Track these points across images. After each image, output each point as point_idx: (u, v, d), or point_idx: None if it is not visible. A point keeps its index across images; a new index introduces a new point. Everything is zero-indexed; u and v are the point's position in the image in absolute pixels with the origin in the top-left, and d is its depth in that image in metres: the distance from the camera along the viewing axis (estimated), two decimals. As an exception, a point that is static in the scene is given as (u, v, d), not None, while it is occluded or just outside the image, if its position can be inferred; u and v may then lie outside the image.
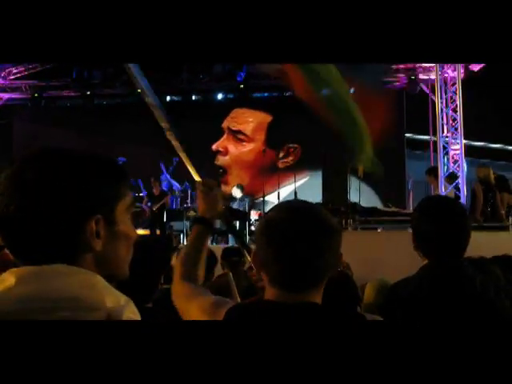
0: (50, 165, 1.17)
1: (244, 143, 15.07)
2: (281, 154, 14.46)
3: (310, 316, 1.54)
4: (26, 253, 1.17)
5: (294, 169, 13.77)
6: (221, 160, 14.98)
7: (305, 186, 13.80)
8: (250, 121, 15.16)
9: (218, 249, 7.48)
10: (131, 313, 1.15)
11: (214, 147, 14.98)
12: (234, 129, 15.13)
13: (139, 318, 1.18)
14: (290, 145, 14.54)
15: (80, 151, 1.24)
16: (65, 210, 1.16)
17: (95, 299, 1.11)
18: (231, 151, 15.02)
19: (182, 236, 11.27)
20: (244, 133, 15.09)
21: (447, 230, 2.37)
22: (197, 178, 2.46)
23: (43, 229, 1.15)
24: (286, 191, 13.30)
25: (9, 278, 1.12)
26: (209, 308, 1.81)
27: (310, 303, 1.58)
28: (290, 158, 14.37)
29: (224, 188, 14.05)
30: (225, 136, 15.14)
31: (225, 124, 15.20)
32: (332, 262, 1.62)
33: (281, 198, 12.28)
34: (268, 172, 13.72)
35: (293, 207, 1.70)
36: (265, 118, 15.11)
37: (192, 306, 1.89)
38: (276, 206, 1.74)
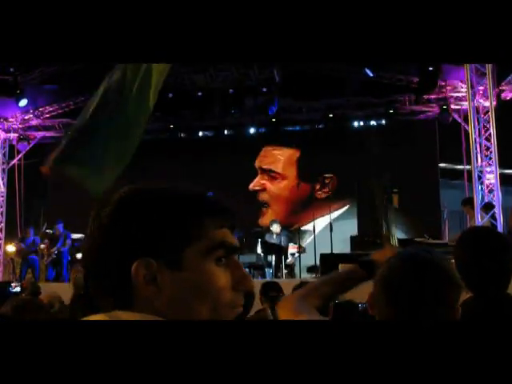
0: (118, 206, 1.13)
1: (277, 180, 15.30)
2: (317, 186, 14.63)
3: None
4: (95, 296, 1.14)
5: (333, 199, 13.93)
6: (261, 196, 15.20)
7: (343, 216, 13.97)
8: (279, 158, 15.39)
9: (255, 284, 7.63)
10: None
11: (251, 187, 15.21)
12: (265, 167, 15.44)
13: None
14: (326, 175, 14.68)
15: (165, 189, 1.17)
16: (111, 253, 1.10)
17: None
18: (268, 188, 15.25)
19: None
20: (275, 170, 15.33)
21: (492, 264, 2.34)
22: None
23: (100, 273, 1.12)
24: (323, 222, 13.42)
25: None
26: None
27: None
28: (327, 189, 14.51)
29: (262, 221, 14.32)
30: (259, 175, 15.36)
31: (257, 163, 15.43)
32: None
33: (317, 229, 12.43)
34: (306, 204, 13.90)
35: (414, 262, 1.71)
36: (293, 153, 15.35)
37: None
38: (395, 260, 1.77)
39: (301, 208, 13.71)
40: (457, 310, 1.75)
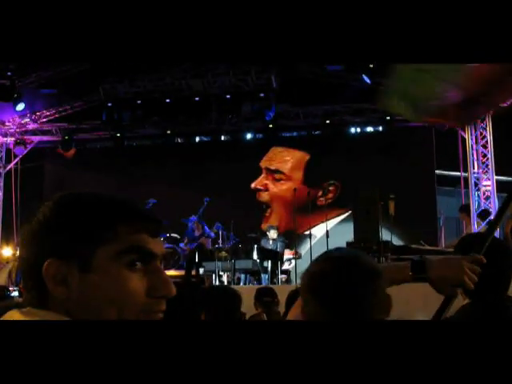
0: (43, 209, 1.15)
1: (281, 181, 15.29)
2: (319, 193, 14.60)
3: None
4: (23, 292, 1.17)
5: (333, 206, 13.97)
6: (262, 196, 15.20)
7: (343, 223, 13.99)
8: (287, 159, 15.39)
9: (251, 289, 7.64)
10: None
11: (253, 185, 15.20)
12: (272, 168, 15.41)
13: None
14: (330, 181, 14.69)
15: (87, 194, 1.19)
16: (32, 253, 1.13)
17: None
18: (270, 189, 15.25)
19: (213, 276, 11.37)
20: (282, 171, 15.32)
21: (489, 269, 2.19)
22: None
23: (23, 272, 1.15)
24: (323, 228, 13.44)
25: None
26: None
27: None
28: (329, 196, 14.53)
29: (264, 225, 14.31)
30: (263, 175, 15.35)
31: (263, 163, 15.41)
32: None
33: (314, 236, 12.44)
34: (306, 210, 13.92)
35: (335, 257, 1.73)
36: (303, 156, 15.35)
37: None
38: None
39: (301, 213, 13.69)
40: (388, 297, 1.74)
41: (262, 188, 15.26)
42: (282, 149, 15.56)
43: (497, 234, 10.89)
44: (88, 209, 1.14)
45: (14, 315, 1.09)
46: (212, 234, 12.87)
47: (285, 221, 14.72)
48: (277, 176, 15.29)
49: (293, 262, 12.11)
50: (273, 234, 12.21)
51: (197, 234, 12.79)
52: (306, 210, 13.38)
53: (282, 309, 5.63)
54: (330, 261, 1.71)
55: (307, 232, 12.62)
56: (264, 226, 14.30)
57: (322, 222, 13.13)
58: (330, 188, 14.67)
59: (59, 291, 1.09)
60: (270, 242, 12.12)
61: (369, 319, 1.64)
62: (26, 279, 1.15)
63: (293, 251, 12.23)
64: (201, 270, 11.56)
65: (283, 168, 15.33)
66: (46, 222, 1.13)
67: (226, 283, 10.94)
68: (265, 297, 6.05)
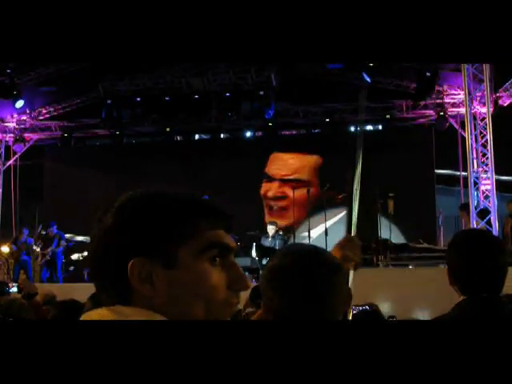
0: (118, 210, 1.18)
1: (300, 188, 15.07)
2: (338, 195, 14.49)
3: None
4: (98, 293, 1.19)
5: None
6: (282, 203, 15.06)
7: (341, 221, 13.97)
8: (303, 165, 15.35)
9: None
10: None
11: (270, 195, 15.21)
12: (288, 178, 15.34)
13: None
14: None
15: (161, 193, 1.22)
16: (111, 253, 1.15)
17: None
18: (290, 196, 15.08)
19: None
20: (300, 179, 15.25)
21: (485, 266, 2.31)
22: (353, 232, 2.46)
23: (102, 273, 1.17)
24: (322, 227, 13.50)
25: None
26: None
27: None
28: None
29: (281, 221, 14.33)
30: (278, 183, 15.33)
31: (273, 171, 15.49)
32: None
33: (313, 235, 12.47)
34: (317, 210, 13.94)
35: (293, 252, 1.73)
36: (316, 160, 15.28)
37: None
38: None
39: (312, 213, 13.71)
40: (347, 291, 1.76)
41: (280, 195, 15.19)
42: (291, 155, 15.48)
43: (496, 232, 10.94)
44: (168, 208, 1.18)
45: (103, 313, 1.12)
46: None
47: (297, 220, 14.65)
48: (295, 184, 15.07)
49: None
50: (271, 229, 12.24)
51: None
52: (316, 210, 13.40)
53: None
54: (289, 256, 1.71)
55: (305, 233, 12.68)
56: (281, 222, 14.31)
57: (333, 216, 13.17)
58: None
59: (146, 288, 1.13)
60: (269, 239, 12.13)
61: (331, 312, 1.65)
62: (100, 279, 1.18)
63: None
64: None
65: (302, 176, 15.27)
66: (124, 222, 1.16)
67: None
68: (259, 299, 5.94)
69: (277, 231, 12.41)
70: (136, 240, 1.14)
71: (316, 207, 13.77)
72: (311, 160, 15.28)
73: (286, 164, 15.48)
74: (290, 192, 14.83)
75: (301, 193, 14.86)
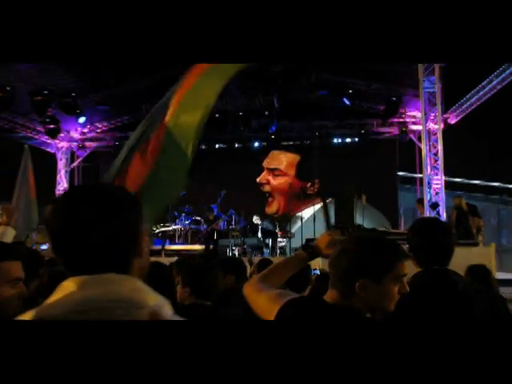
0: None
1: (279, 176, 15.60)
2: (308, 184, 14.96)
3: None
4: (82, 264, 1.11)
5: (318, 195, 14.45)
6: (266, 188, 15.63)
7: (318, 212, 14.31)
8: (283, 160, 15.81)
9: (256, 260, 7.80)
10: (168, 309, 1.12)
11: (258, 180, 15.81)
12: (271, 167, 15.84)
13: (175, 314, 1.12)
14: (315, 180, 15.09)
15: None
16: (126, 227, 1.14)
17: (142, 299, 1.09)
18: (271, 182, 15.60)
19: (227, 250, 11.58)
20: (280, 169, 15.76)
21: (436, 244, 2.36)
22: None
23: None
24: (310, 212, 13.85)
25: (69, 285, 1.08)
26: (274, 297, 1.79)
27: None
28: (316, 187, 14.99)
29: (268, 209, 15.12)
30: (265, 172, 15.84)
31: (265, 164, 15.91)
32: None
33: (304, 218, 12.78)
34: (298, 197, 14.33)
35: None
36: (295, 157, 15.69)
37: (260, 297, 1.87)
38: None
39: (295, 199, 14.15)
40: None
41: (264, 182, 15.64)
42: (278, 152, 15.94)
43: (443, 219, 11.17)
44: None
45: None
46: (221, 215, 12.99)
47: (282, 206, 15.22)
48: (276, 172, 15.58)
49: (285, 240, 12.30)
50: (256, 219, 12.52)
51: (210, 218, 12.90)
52: (297, 198, 13.75)
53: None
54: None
55: (299, 214, 12.91)
56: (268, 210, 14.79)
57: (309, 206, 13.49)
58: (315, 183, 15.04)
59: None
60: (264, 224, 12.79)
61: None
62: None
63: (282, 231, 12.38)
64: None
65: (280, 166, 15.75)
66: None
67: (236, 255, 11.13)
68: (265, 267, 6.06)
69: (262, 220, 12.83)
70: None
71: (294, 196, 14.36)
72: (290, 156, 15.81)
73: (275, 158, 15.90)
74: (272, 180, 15.32)
75: (280, 181, 15.30)
